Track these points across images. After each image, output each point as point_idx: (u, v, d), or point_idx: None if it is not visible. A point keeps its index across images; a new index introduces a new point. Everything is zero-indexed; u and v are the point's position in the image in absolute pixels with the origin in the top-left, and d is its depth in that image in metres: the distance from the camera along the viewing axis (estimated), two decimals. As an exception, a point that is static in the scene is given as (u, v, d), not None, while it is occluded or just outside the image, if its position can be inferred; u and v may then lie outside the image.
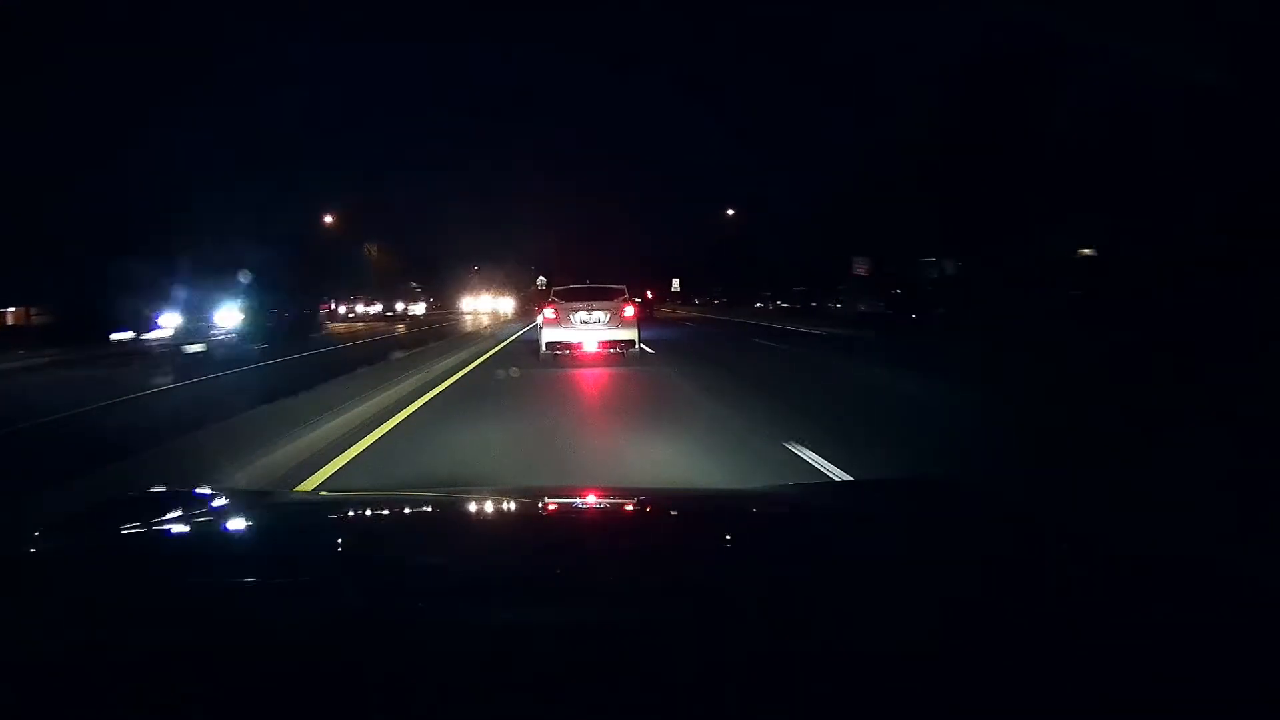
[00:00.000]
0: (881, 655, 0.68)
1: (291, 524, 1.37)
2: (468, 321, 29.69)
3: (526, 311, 43.65)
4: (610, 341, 10.55)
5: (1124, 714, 0.61)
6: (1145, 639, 0.73)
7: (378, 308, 48.09)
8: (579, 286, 11.56)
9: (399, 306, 49.89)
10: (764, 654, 0.69)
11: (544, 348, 10.74)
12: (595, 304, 10.67)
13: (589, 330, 10.51)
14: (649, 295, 38.90)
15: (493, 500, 1.59)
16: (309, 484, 4.06)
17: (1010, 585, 0.90)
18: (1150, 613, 0.80)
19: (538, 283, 49.16)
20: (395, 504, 1.61)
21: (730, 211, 43.63)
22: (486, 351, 13.57)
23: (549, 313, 10.86)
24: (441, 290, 59.44)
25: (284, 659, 0.69)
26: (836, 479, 3.75)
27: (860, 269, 25.91)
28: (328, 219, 39.47)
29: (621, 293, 11.11)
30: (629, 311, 10.75)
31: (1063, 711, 0.61)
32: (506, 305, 43.49)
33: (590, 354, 10.50)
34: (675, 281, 56.42)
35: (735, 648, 0.70)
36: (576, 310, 10.61)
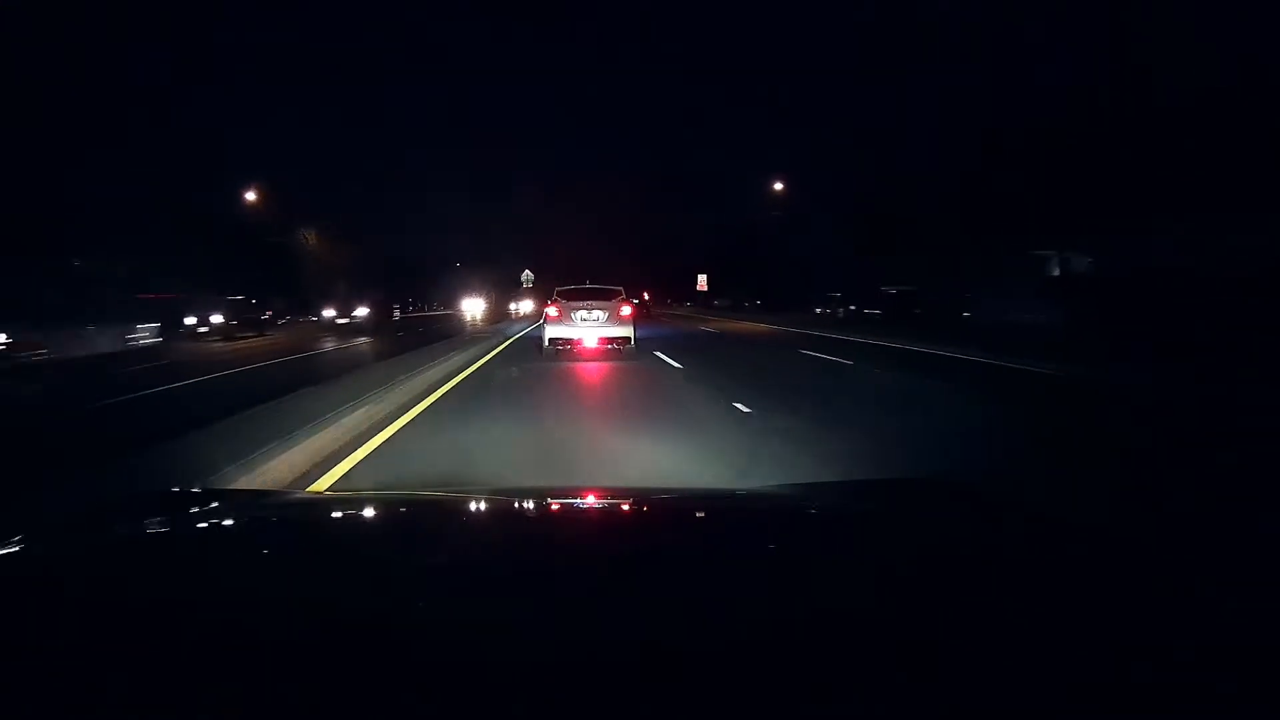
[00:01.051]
0: (881, 653, 0.69)
1: (291, 524, 1.37)
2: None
3: (502, 314, 36.78)
4: (608, 338, 11.35)
5: (1125, 712, 0.61)
6: (1146, 638, 0.73)
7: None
8: (579, 287, 12.23)
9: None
10: (763, 652, 0.69)
11: (547, 343, 11.57)
12: (594, 303, 11.42)
13: (589, 328, 11.29)
14: (645, 296, 39.57)
15: (491, 500, 1.60)
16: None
17: (1009, 584, 0.91)
18: (1151, 611, 0.80)
19: (524, 279, 45.16)
20: (396, 504, 1.61)
21: (779, 185, 35.64)
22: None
23: (551, 311, 11.64)
24: (412, 291, 38.56)
25: (283, 659, 0.68)
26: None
27: (1053, 267, 19.26)
28: (250, 196, 29.28)
29: (619, 293, 11.86)
30: (626, 311, 11.51)
31: (1063, 710, 0.61)
32: (476, 308, 32.85)
33: (590, 349, 11.33)
34: (701, 278, 48.94)
35: (734, 647, 0.70)
36: (577, 309, 11.34)
